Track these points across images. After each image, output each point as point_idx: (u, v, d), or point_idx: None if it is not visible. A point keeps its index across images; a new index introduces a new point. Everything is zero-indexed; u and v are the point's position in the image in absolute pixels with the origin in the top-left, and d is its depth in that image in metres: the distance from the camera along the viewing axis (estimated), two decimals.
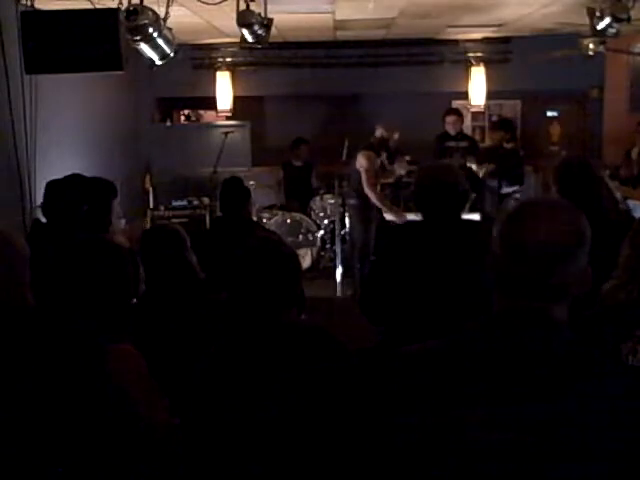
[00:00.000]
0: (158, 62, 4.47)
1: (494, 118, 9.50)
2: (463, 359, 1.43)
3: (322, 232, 7.76)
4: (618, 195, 3.56)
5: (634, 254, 2.12)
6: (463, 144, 7.81)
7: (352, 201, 6.82)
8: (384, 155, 6.74)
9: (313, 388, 2.02)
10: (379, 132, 6.72)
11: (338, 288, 6.83)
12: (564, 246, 1.41)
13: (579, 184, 3.12)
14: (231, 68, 9.15)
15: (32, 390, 1.86)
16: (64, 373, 1.89)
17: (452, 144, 7.84)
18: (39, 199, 4.87)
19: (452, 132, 7.86)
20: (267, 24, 5.15)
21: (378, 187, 6.65)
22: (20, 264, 2.03)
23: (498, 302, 1.48)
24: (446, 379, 1.42)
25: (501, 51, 9.12)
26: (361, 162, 6.55)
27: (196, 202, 7.89)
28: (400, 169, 6.90)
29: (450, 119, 7.89)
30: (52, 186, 3.65)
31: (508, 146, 7.18)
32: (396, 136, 6.72)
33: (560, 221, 1.43)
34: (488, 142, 9.55)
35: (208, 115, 10.26)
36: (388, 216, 6.89)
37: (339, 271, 6.86)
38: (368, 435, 1.59)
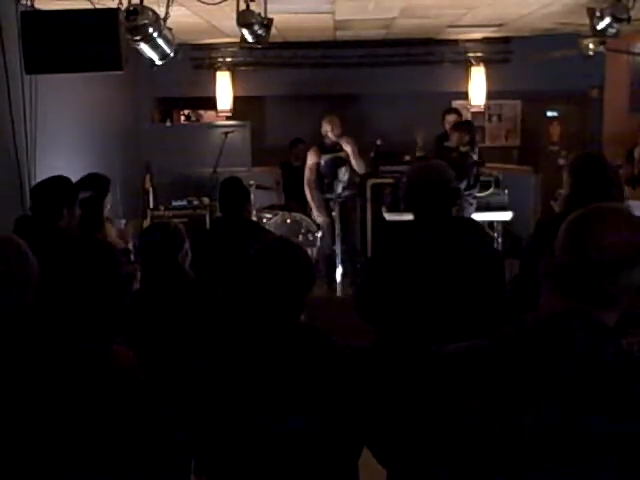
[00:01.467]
0: (158, 62, 4.47)
1: (497, 116, 9.51)
2: (513, 360, 1.43)
3: (322, 232, 7.75)
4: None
5: None
6: None
7: None
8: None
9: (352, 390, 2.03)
10: (323, 129, 7.06)
11: (338, 288, 6.83)
12: (629, 253, 1.43)
13: (595, 180, 3.12)
14: (231, 68, 9.15)
15: (32, 391, 1.86)
16: (64, 374, 1.89)
17: (449, 143, 7.81)
18: None
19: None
20: (267, 24, 5.14)
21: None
22: (24, 265, 2.02)
23: (553, 303, 1.48)
24: (496, 380, 1.43)
25: (501, 51, 9.11)
26: (307, 159, 7.00)
27: (196, 202, 7.89)
28: (347, 146, 7.09)
29: (450, 118, 7.87)
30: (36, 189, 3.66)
31: (464, 149, 6.94)
32: (336, 123, 7.03)
33: (628, 228, 1.45)
34: (488, 142, 9.58)
35: (208, 115, 10.26)
36: (387, 216, 6.91)
37: (339, 271, 6.86)
38: (416, 436, 1.60)
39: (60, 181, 3.62)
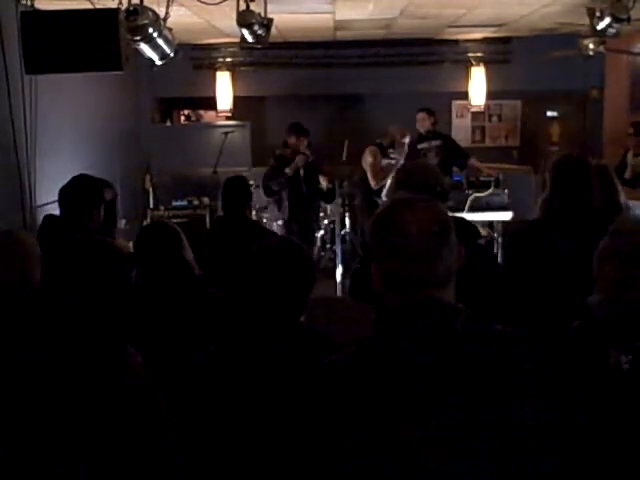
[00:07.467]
0: (158, 62, 4.48)
1: (497, 116, 9.48)
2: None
3: (322, 232, 7.75)
4: (622, 198, 3.47)
5: (615, 269, 2.08)
6: (436, 143, 7.58)
7: (357, 201, 6.93)
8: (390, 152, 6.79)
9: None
10: (391, 132, 6.78)
11: (338, 288, 6.83)
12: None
13: (575, 184, 3.02)
14: (231, 68, 9.16)
15: (38, 389, 1.86)
16: (75, 374, 1.89)
17: (425, 145, 7.57)
18: (39, 199, 4.88)
19: (421, 130, 7.61)
20: (267, 24, 5.15)
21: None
22: (30, 264, 2.02)
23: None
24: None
25: (501, 51, 9.12)
26: (366, 159, 6.67)
27: (196, 202, 7.88)
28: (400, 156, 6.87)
29: (417, 116, 7.65)
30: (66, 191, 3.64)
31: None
32: (407, 139, 6.79)
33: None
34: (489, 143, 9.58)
35: (208, 115, 10.26)
36: (379, 200, 6.87)
37: (339, 271, 6.86)
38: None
39: (89, 182, 3.66)
